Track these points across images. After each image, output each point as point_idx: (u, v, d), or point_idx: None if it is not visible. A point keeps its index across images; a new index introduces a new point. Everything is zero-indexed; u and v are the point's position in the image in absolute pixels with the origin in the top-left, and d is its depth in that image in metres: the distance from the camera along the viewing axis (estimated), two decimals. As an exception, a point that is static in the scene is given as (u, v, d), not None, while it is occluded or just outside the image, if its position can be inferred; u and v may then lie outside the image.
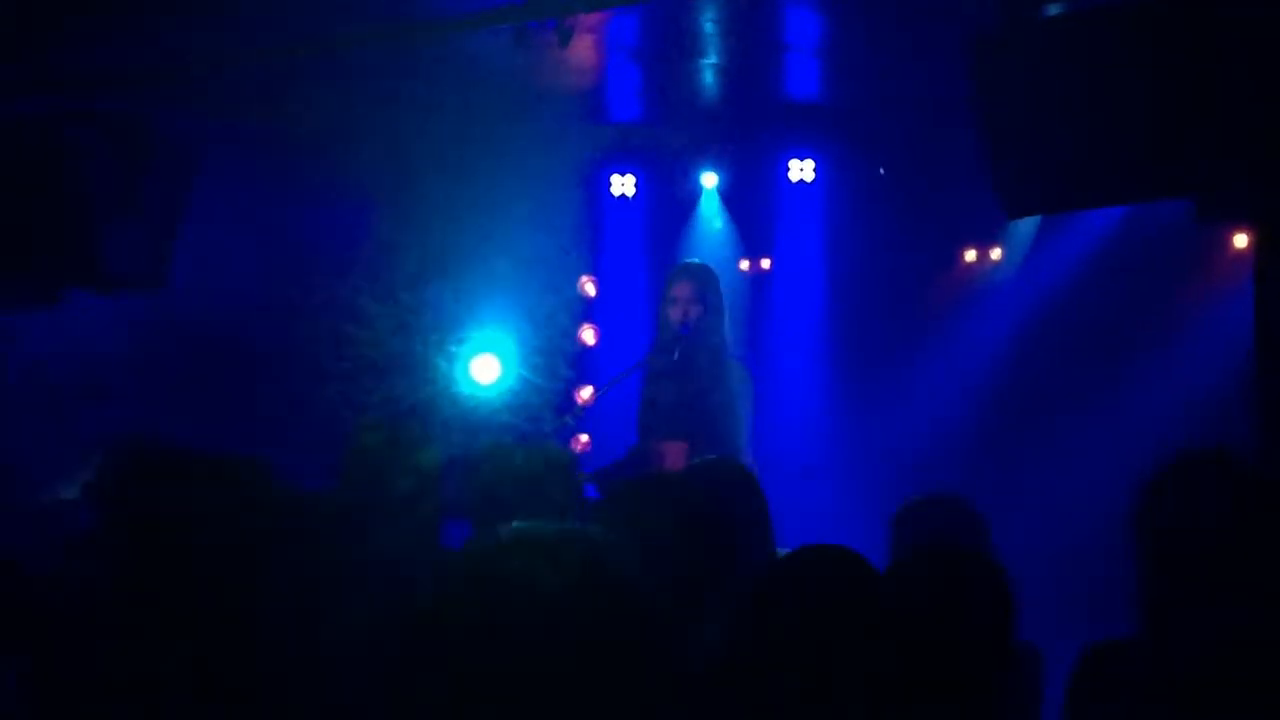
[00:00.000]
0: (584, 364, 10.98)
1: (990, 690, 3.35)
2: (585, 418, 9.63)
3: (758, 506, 5.20)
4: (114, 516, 5.27)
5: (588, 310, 11.25)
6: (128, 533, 3.43)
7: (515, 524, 2.31)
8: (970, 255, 10.33)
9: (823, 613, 2.82)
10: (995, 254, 10.25)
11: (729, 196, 10.85)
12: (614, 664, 2.16)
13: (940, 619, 2.87)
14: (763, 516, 5.20)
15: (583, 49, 7.90)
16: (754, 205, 10.84)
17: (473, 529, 5.52)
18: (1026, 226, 9.69)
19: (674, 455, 8.08)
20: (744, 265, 10.88)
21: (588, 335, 11.17)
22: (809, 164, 10.53)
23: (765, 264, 10.89)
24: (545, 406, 10.39)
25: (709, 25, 7.95)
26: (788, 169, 10.57)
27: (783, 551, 4.44)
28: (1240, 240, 9.27)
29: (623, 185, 11.08)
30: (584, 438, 10.53)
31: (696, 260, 9.14)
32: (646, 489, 4.35)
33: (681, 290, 8.53)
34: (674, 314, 8.53)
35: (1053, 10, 5.06)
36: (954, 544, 4.15)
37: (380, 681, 3.32)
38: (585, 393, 10.22)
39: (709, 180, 10.78)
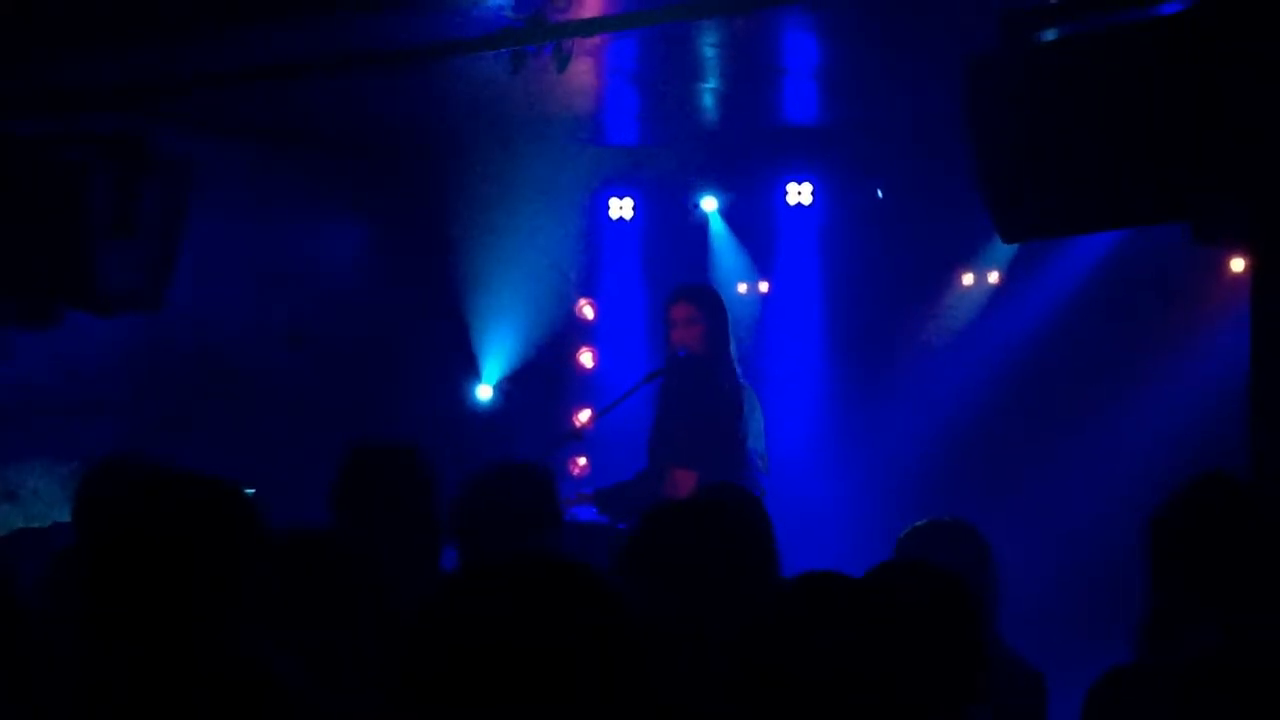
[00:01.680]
0: (582, 387, 10.99)
1: (966, 709, 3.36)
2: (584, 441, 9.64)
3: (764, 532, 5.19)
4: (91, 532, 5.28)
5: (586, 333, 11.26)
6: (103, 549, 3.43)
7: (500, 552, 2.31)
8: (967, 278, 10.33)
9: (824, 640, 2.82)
10: (993, 277, 10.26)
11: (727, 219, 10.86)
12: (600, 697, 2.16)
13: (907, 634, 2.87)
14: (765, 543, 5.18)
15: (581, 73, 7.92)
16: (752, 228, 10.85)
17: (458, 554, 5.52)
18: (1008, 248, 9.69)
19: (684, 483, 8.07)
20: (742, 288, 10.88)
21: (586, 358, 11.18)
22: (807, 187, 10.53)
23: (763, 287, 10.90)
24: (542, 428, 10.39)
25: (708, 50, 7.96)
26: (786, 192, 10.58)
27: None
28: (1236, 264, 9.27)
29: (621, 208, 11.10)
30: (582, 461, 10.53)
31: (695, 281, 9.13)
32: (669, 520, 4.34)
33: (678, 313, 8.52)
34: (673, 337, 8.52)
35: (1048, 35, 5.08)
36: (915, 560, 4.16)
37: (369, 711, 3.32)
38: (584, 416, 10.23)
39: (709, 204, 10.78)
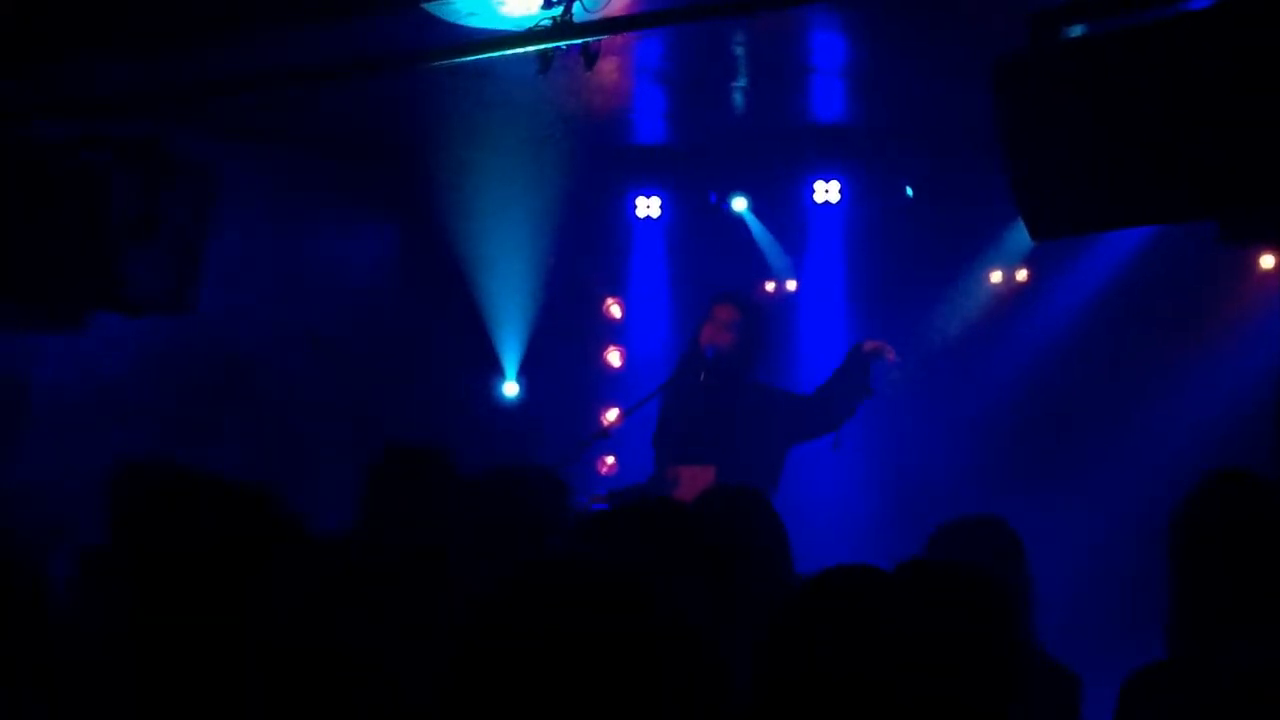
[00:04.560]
0: (610, 386, 10.99)
1: (1005, 711, 3.33)
2: (612, 440, 9.63)
3: (771, 534, 5.16)
4: (121, 535, 5.29)
5: (614, 332, 11.26)
6: (134, 551, 3.44)
7: (557, 552, 2.29)
8: (996, 276, 10.30)
9: (850, 635, 2.79)
10: (1021, 275, 10.22)
11: (754, 218, 10.85)
12: (667, 699, 2.14)
13: (938, 634, 2.85)
14: (777, 543, 5.16)
15: (608, 72, 7.91)
16: (779, 227, 10.83)
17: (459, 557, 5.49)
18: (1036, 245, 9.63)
19: (699, 481, 8.06)
20: (769, 286, 10.87)
21: (613, 358, 11.18)
22: (834, 185, 10.51)
23: (791, 285, 10.88)
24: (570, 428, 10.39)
25: (737, 49, 7.96)
26: (813, 190, 10.56)
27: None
28: (1266, 261, 9.24)
29: (648, 207, 11.09)
30: (610, 459, 10.53)
31: (745, 290, 9.12)
32: (636, 516, 4.31)
33: (722, 313, 8.52)
34: (705, 334, 8.52)
35: (1077, 31, 5.07)
36: (942, 558, 4.13)
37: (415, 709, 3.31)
38: (611, 415, 10.23)
39: (739, 204, 10.76)
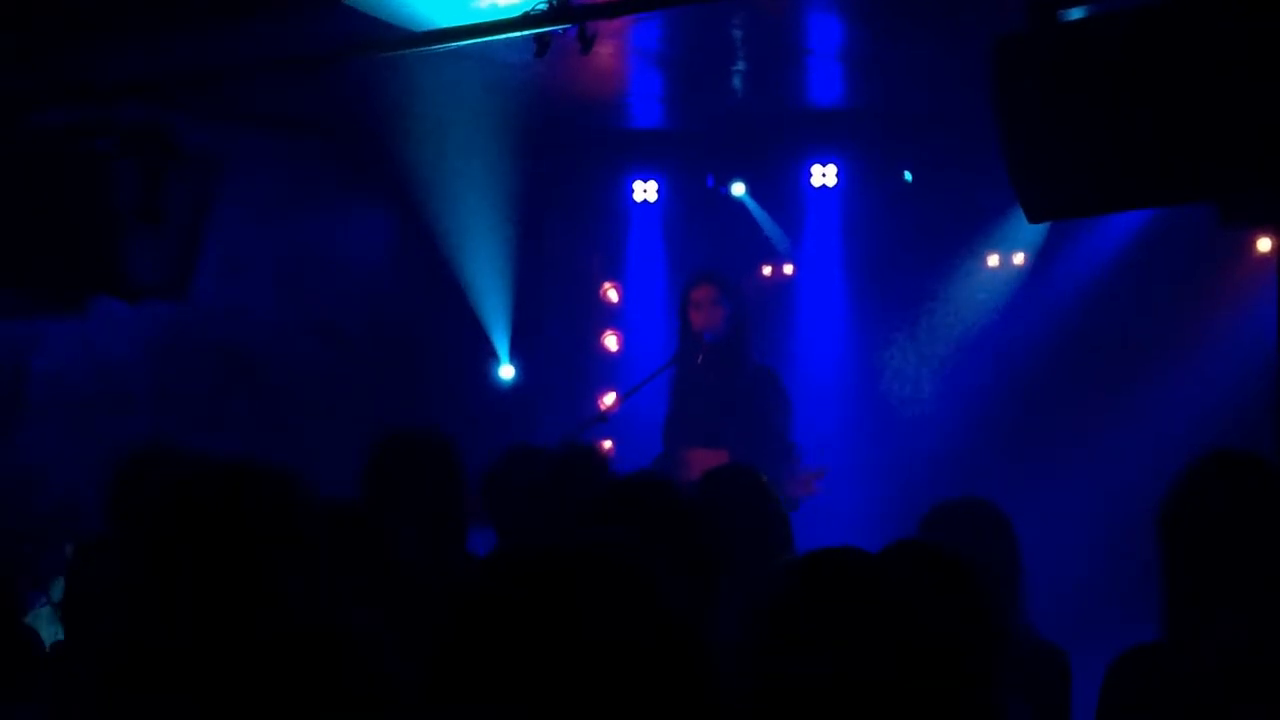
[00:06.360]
0: (608, 370, 10.99)
1: (988, 688, 3.33)
2: (609, 424, 9.64)
3: (771, 515, 5.17)
4: (129, 520, 5.29)
5: (611, 316, 11.26)
6: (143, 537, 3.44)
7: (553, 536, 2.27)
8: (993, 260, 10.29)
9: (833, 617, 2.80)
10: (1018, 259, 10.21)
11: (753, 201, 10.84)
12: (651, 687, 2.13)
13: (918, 615, 2.84)
14: (777, 525, 5.16)
15: (605, 55, 7.90)
16: (776, 211, 10.83)
17: (498, 536, 5.51)
18: (1033, 229, 9.61)
19: (710, 464, 8.04)
20: (766, 270, 10.87)
21: (611, 341, 11.18)
22: (831, 169, 10.51)
23: (788, 269, 10.88)
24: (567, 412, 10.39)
25: (735, 32, 7.95)
26: (810, 174, 10.56)
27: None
28: (1263, 244, 9.24)
29: (645, 191, 11.09)
30: (607, 443, 10.53)
31: (715, 266, 9.12)
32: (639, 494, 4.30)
33: (701, 294, 8.51)
34: (696, 319, 8.50)
35: (1075, 14, 5.06)
36: (931, 540, 4.12)
37: (406, 694, 3.31)
38: (609, 399, 10.23)
39: (739, 188, 10.74)
